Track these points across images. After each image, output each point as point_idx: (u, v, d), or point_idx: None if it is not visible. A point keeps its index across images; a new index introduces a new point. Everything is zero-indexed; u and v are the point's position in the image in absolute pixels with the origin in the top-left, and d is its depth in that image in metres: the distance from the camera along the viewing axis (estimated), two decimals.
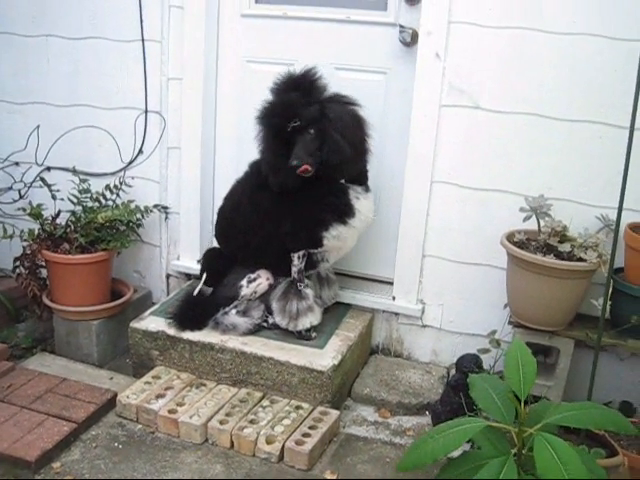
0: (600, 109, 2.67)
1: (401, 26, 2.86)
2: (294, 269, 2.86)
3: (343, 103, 2.74)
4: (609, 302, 2.47)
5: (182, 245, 3.37)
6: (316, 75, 2.69)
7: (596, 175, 2.73)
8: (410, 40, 2.85)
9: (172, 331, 2.87)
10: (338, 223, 2.75)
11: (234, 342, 2.82)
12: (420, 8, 2.80)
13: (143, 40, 3.17)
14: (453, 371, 3.01)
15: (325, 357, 2.75)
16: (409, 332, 3.12)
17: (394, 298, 3.09)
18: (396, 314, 3.11)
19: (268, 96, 2.71)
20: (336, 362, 2.72)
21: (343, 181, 2.77)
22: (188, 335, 2.85)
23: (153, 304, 3.40)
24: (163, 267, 3.44)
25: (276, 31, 3.09)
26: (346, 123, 2.70)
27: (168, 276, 3.46)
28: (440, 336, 3.08)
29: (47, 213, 3.16)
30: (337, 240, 2.78)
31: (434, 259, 3.00)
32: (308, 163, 2.59)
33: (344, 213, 2.75)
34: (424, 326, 3.09)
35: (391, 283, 3.13)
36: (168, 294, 3.44)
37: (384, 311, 3.12)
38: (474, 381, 2.08)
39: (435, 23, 2.76)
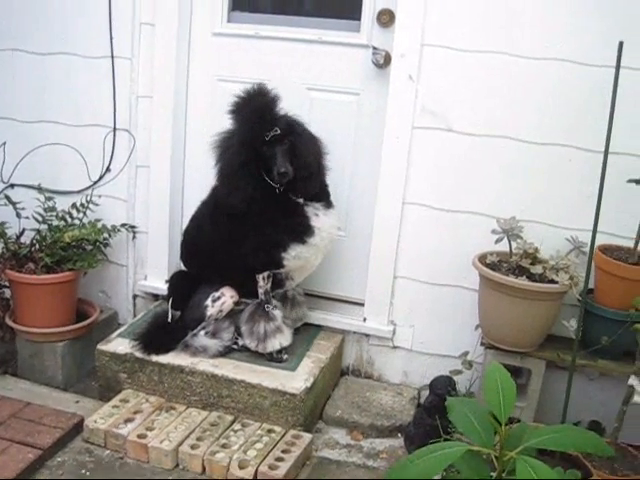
0: (570, 132, 2.71)
1: (374, 48, 2.86)
2: (260, 290, 2.83)
3: (298, 120, 2.76)
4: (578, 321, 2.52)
5: (150, 265, 3.31)
6: (272, 91, 2.68)
7: (566, 197, 2.77)
8: (383, 62, 2.86)
9: (140, 353, 2.81)
10: (296, 243, 2.72)
11: (204, 364, 2.77)
12: (393, 30, 2.82)
13: (113, 57, 3.12)
14: (424, 392, 3.02)
15: (297, 379, 2.72)
16: (380, 353, 3.11)
17: (365, 319, 3.07)
18: (367, 335, 3.09)
19: (228, 115, 2.70)
20: (308, 385, 2.69)
21: (301, 200, 2.75)
22: (157, 357, 2.79)
23: (119, 325, 3.35)
24: (130, 287, 3.37)
25: (248, 50, 3.07)
26: (311, 138, 2.75)
27: (135, 296, 3.40)
28: (411, 357, 3.07)
29: (11, 231, 3.09)
30: (298, 260, 2.76)
31: (405, 280, 2.99)
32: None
33: (302, 232, 2.73)
34: (395, 347, 3.08)
35: (362, 304, 3.11)
36: (135, 315, 3.37)
37: (355, 332, 3.11)
38: (452, 404, 2.07)
39: (408, 45, 2.77)
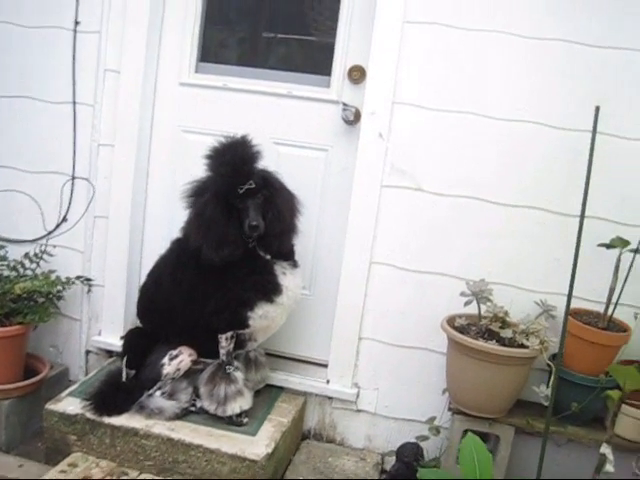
0: (539, 195, 2.70)
1: (344, 104, 2.83)
2: (222, 351, 2.70)
3: (275, 176, 2.69)
4: (549, 388, 2.47)
5: (105, 320, 3.17)
6: (253, 142, 2.62)
7: (535, 260, 2.74)
8: (353, 118, 2.82)
9: (92, 414, 2.65)
10: (264, 302, 2.62)
11: (160, 427, 2.62)
12: (364, 87, 2.79)
13: (75, 103, 3.03)
14: (389, 458, 2.92)
15: (258, 445, 2.59)
16: (343, 417, 3.00)
17: (328, 381, 2.97)
18: (330, 398, 2.99)
19: (203, 166, 2.61)
20: (270, 450, 2.56)
21: (269, 257, 2.67)
22: (110, 419, 2.63)
23: (70, 382, 3.18)
24: (83, 342, 3.21)
25: (215, 102, 3.01)
26: (287, 194, 2.67)
27: (88, 352, 3.24)
28: (375, 421, 2.97)
29: None
30: (264, 319, 2.65)
31: (371, 341, 2.91)
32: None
33: (270, 291, 2.63)
34: (359, 411, 2.97)
35: (325, 365, 3.02)
36: (87, 372, 3.21)
37: (317, 395, 2.99)
38: (425, 476, 1.99)
39: (379, 103, 2.74)
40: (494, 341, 2.54)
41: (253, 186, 2.53)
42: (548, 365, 2.56)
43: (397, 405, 2.94)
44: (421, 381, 2.89)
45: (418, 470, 2.44)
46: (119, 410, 2.67)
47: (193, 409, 2.73)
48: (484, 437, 2.76)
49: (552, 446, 2.82)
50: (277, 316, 2.69)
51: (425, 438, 2.73)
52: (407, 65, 2.72)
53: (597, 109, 2.03)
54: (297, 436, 2.98)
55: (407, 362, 2.89)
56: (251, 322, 2.63)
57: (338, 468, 2.83)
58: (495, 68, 2.67)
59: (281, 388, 3.02)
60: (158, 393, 2.69)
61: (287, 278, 2.68)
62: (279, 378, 3.02)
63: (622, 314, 2.61)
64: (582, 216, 2.11)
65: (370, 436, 2.99)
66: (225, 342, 2.68)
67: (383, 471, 2.93)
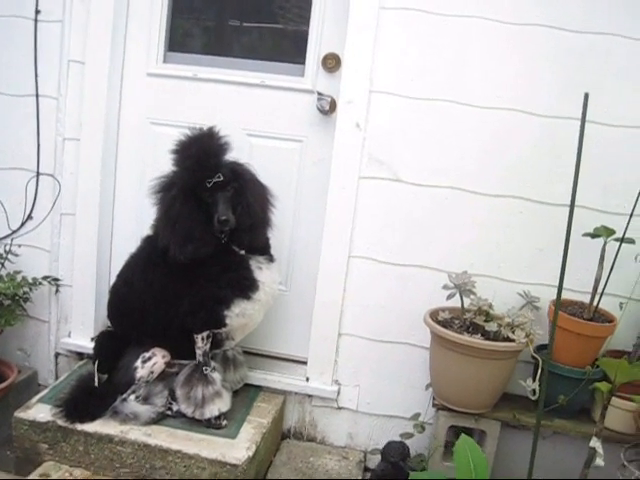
0: (521, 184, 2.64)
1: (319, 93, 2.73)
2: (198, 352, 2.60)
3: (246, 168, 2.59)
4: (537, 382, 2.43)
5: (74, 321, 3.04)
6: (220, 133, 2.52)
7: (517, 251, 2.69)
8: (328, 108, 2.73)
9: (64, 421, 2.53)
10: (241, 299, 2.52)
11: (136, 433, 2.52)
12: (339, 75, 2.70)
13: (37, 95, 2.89)
14: (371, 456, 2.86)
15: (238, 448, 2.50)
16: (323, 415, 2.92)
17: (308, 379, 2.89)
18: (310, 396, 2.91)
19: (170, 159, 2.50)
20: (251, 453, 2.47)
21: (243, 252, 2.57)
22: (83, 426, 2.52)
23: (39, 386, 3.08)
24: (52, 345, 3.09)
25: (184, 93, 2.89)
26: (258, 186, 2.58)
27: (57, 355, 3.11)
28: (356, 418, 2.90)
29: None
30: (242, 317, 2.55)
31: (351, 337, 2.83)
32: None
33: (246, 287, 2.53)
34: (339, 408, 2.90)
35: (304, 362, 2.94)
36: (57, 375, 3.10)
37: (297, 393, 2.91)
38: (417, 477, 1.93)
39: (355, 92, 2.65)
40: (479, 335, 2.48)
41: (221, 179, 2.43)
42: (533, 357, 2.51)
43: (379, 401, 2.87)
44: (403, 376, 2.83)
45: (405, 470, 2.41)
46: (92, 416, 2.56)
47: (169, 413, 2.63)
48: (469, 432, 2.72)
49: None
50: (255, 313, 2.59)
51: (410, 435, 2.67)
52: (384, 52, 2.64)
53: (586, 96, 1.95)
54: (277, 436, 2.90)
55: (388, 357, 2.82)
56: (228, 321, 2.53)
57: (320, 468, 2.75)
58: (475, 55, 2.60)
59: (259, 387, 2.93)
60: (132, 397, 2.58)
61: (263, 273, 2.58)
62: (257, 377, 2.93)
63: (607, 304, 2.57)
64: (572, 204, 2.03)
65: (352, 434, 2.92)
66: (201, 342, 2.59)
67: (366, 469, 2.87)
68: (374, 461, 2.88)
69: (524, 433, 2.69)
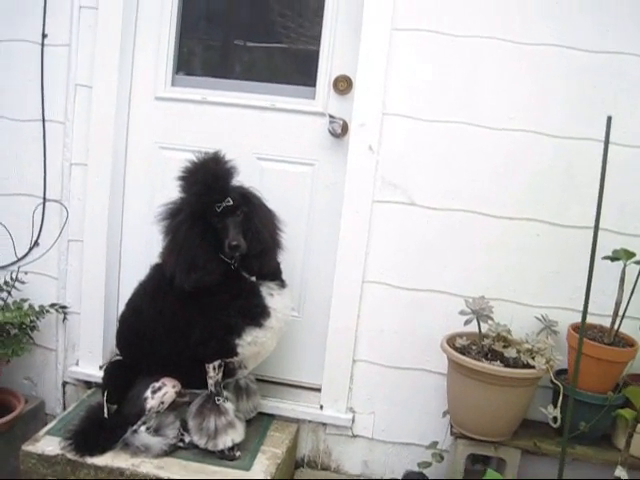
0: (536, 206, 2.60)
1: (331, 116, 2.69)
2: (210, 381, 2.53)
3: (253, 192, 2.55)
4: (557, 409, 2.38)
5: (82, 349, 2.98)
6: (225, 157, 2.47)
7: (534, 274, 2.64)
8: (340, 131, 2.69)
9: (73, 455, 2.47)
10: (252, 327, 2.46)
11: (147, 466, 2.45)
12: (351, 98, 2.66)
13: (44, 120, 2.84)
14: None
15: None
16: (338, 443, 2.86)
17: (322, 407, 2.83)
18: (324, 424, 2.84)
19: (178, 182, 2.46)
20: None
21: (254, 278, 2.52)
22: (93, 459, 2.45)
23: (47, 415, 3.02)
24: (59, 373, 3.02)
25: (194, 116, 2.85)
26: (266, 211, 2.53)
27: (65, 384, 3.04)
28: (372, 446, 2.84)
29: None
30: (254, 345, 2.49)
31: (365, 364, 2.78)
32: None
33: (258, 315, 2.47)
34: (354, 436, 2.84)
35: (318, 389, 2.88)
36: (65, 404, 3.03)
37: (310, 421, 2.85)
38: None
39: (368, 115, 2.61)
40: (498, 362, 2.43)
41: (231, 203, 2.39)
42: (553, 383, 2.46)
43: (394, 429, 2.81)
44: (419, 403, 2.77)
45: None
46: (102, 449, 2.50)
47: (181, 444, 2.57)
48: (485, 459, 2.67)
49: (555, 465, 2.71)
50: (267, 341, 2.53)
51: (427, 465, 2.60)
52: (396, 74, 2.60)
53: (609, 119, 1.91)
54: (291, 465, 2.83)
55: (404, 384, 2.77)
56: (240, 350, 2.47)
57: None
58: (487, 75, 2.56)
59: (272, 415, 2.87)
60: (143, 429, 2.52)
61: (275, 299, 2.53)
62: (270, 405, 2.86)
63: (627, 327, 2.51)
64: (596, 226, 1.99)
65: (367, 462, 2.86)
66: (213, 372, 2.52)
67: None
68: None
69: (543, 460, 2.63)
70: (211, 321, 2.44)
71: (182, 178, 2.45)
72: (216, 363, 2.51)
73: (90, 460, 2.47)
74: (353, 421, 2.82)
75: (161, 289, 2.51)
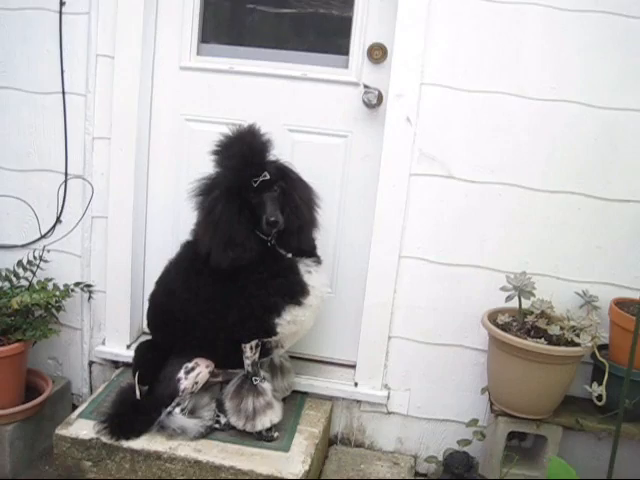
0: (579, 179, 2.52)
1: (366, 86, 2.59)
2: (247, 361, 2.48)
3: (290, 166, 2.47)
4: (603, 387, 2.35)
5: (108, 328, 2.90)
6: (262, 130, 2.38)
7: (574, 248, 2.57)
8: (376, 102, 2.59)
9: (108, 439, 2.41)
10: (292, 305, 2.39)
11: (185, 449, 2.40)
12: (386, 67, 2.56)
13: (64, 93, 2.72)
14: (420, 461, 2.78)
15: (294, 462, 2.39)
16: (372, 420, 2.82)
17: (356, 384, 2.77)
18: (358, 401, 2.79)
19: (209, 157, 2.36)
20: (307, 467, 2.37)
21: (290, 255, 2.44)
22: (129, 443, 2.40)
23: (72, 395, 2.96)
24: (85, 353, 2.95)
25: (221, 87, 2.74)
26: (304, 186, 2.45)
27: (91, 363, 2.97)
28: (406, 423, 2.80)
29: None
30: (293, 324, 2.42)
31: (401, 340, 2.72)
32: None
33: (297, 293, 2.40)
34: (389, 413, 2.79)
35: (351, 366, 2.84)
36: (91, 384, 2.97)
37: (344, 399, 2.80)
38: None
39: (406, 85, 2.51)
40: (542, 339, 2.38)
41: (268, 177, 2.30)
42: (597, 361, 2.41)
43: (430, 405, 2.77)
44: (455, 380, 2.72)
45: None
46: (138, 432, 2.45)
47: (217, 426, 2.52)
48: (521, 435, 2.64)
49: (592, 439, 2.70)
50: (306, 319, 2.46)
51: (467, 442, 2.57)
52: (435, 43, 2.49)
53: None
54: (325, 443, 2.78)
55: (440, 360, 2.72)
56: (279, 329, 2.40)
57: (373, 475, 2.65)
58: (530, 44, 2.46)
59: (305, 393, 2.81)
60: (177, 410, 2.47)
61: (313, 277, 2.45)
62: (303, 383, 2.80)
63: None
64: None
65: (401, 438, 2.82)
66: (250, 352, 2.46)
67: (417, 474, 2.78)
68: (424, 466, 2.80)
69: (583, 436, 2.61)
70: (250, 300, 2.36)
71: (217, 152, 2.35)
72: (253, 343, 2.45)
73: (126, 444, 2.42)
74: (388, 398, 2.77)
75: (194, 268, 2.43)
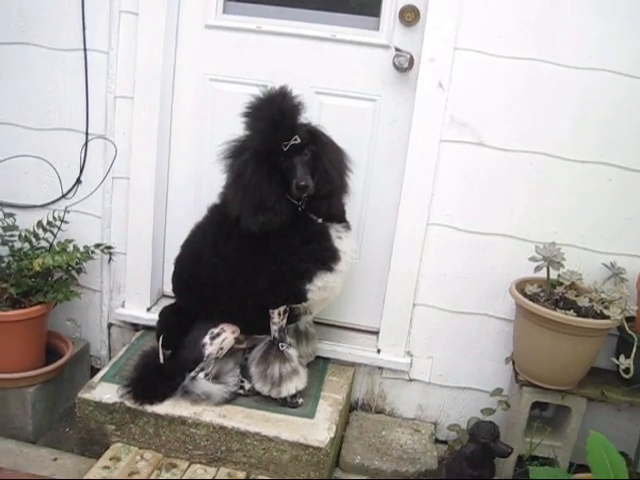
0: (612, 150, 2.48)
1: (397, 49, 2.52)
2: (274, 327, 2.46)
3: (321, 130, 2.40)
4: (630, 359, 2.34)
5: (128, 290, 2.87)
6: (293, 93, 2.31)
7: (603, 220, 2.55)
8: (407, 65, 2.53)
9: (132, 403, 2.39)
10: (323, 271, 2.36)
11: (210, 414, 2.39)
12: (418, 30, 2.50)
13: (85, 50, 2.64)
14: (440, 427, 2.79)
15: (319, 429, 2.38)
16: (393, 386, 2.81)
17: (379, 351, 2.76)
18: (380, 368, 2.79)
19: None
20: (332, 434, 2.36)
21: (320, 220, 2.41)
22: (153, 407, 2.39)
23: (91, 357, 2.95)
24: (104, 315, 2.92)
25: (247, 47, 2.66)
26: (335, 150, 2.39)
27: (110, 325, 2.95)
28: (428, 390, 2.80)
29: None
30: (324, 290, 2.40)
31: (425, 308, 2.71)
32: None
33: (328, 258, 2.37)
34: (411, 380, 2.79)
35: (373, 333, 2.83)
36: (110, 347, 2.95)
37: (366, 365, 2.79)
38: (538, 475, 1.82)
39: (439, 49, 2.45)
40: (572, 311, 2.36)
41: (299, 141, 2.24)
42: (626, 333, 2.40)
43: (452, 373, 2.77)
44: (478, 348, 2.72)
45: (496, 451, 2.32)
46: (162, 397, 2.43)
47: (241, 392, 2.51)
48: (543, 405, 2.64)
49: (611, 410, 2.70)
50: (336, 285, 2.44)
51: (491, 411, 2.57)
52: (470, 6, 2.42)
53: None
54: (347, 409, 2.78)
55: (464, 329, 2.71)
56: (310, 295, 2.38)
57: (394, 442, 2.66)
58: (566, 10, 2.39)
59: (327, 359, 2.81)
60: (202, 375, 2.45)
61: (343, 242, 2.42)
62: (326, 349, 2.79)
63: None
64: None
65: (422, 405, 2.82)
66: (278, 318, 2.44)
67: (437, 440, 2.78)
68: (444, 433, 2.81)
69: (607, 407, 2.61)
70: (281, 266, 2.33)
71: (247, 114, 2.29)
72: (281, 309, 2.43)
73: (150, 408, 2.40)
74: (411, 365, 2.76)
75: (223, 232, 2.39)
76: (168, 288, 2.87)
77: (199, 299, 2.49)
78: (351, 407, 2.86)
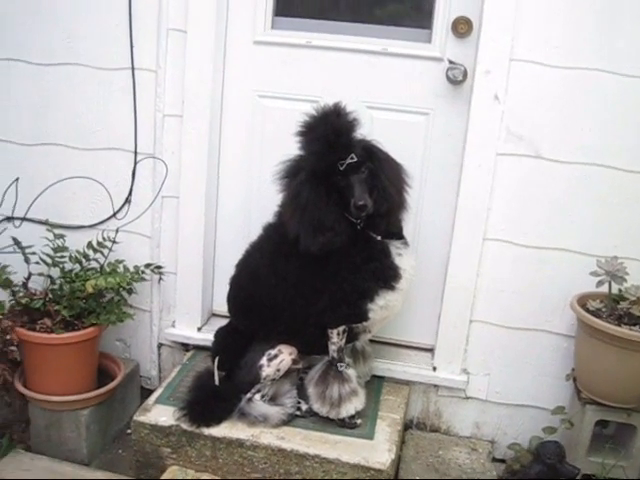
0: None
1: (451, 62, 2.48)
2: (333, 347, 2.41)
3: (378, 146, 2.36)
4: None
5: (178, 310, 2.84)
6: (347, 109, 2.26)
7: None
8: (462, 78, 2.49)
9: (189, 426, 2.36)
10: (385, 290, 2.32)
11: (268, 437, 2.35)
12: (472, 41, 2.46)
13: (133, 69, 2.63)
14: (497, 446, 2.73)
15: (379, 450, 2.34)
16: (449, 404, 2.76)
17: (435, 368, 2.71)
18: (436, 386, 2.73)
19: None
20: (393, 456, 2.32)
21: (379, 238, 2.36)
22: (210, 430, 2.36)
23: (141, 377, 2.91)
24: (154, 335, 2.89)
25: (296, 62, 2.63)
26: (393, 167, 2.34)
27: (160, 345, 2.92)
28: (485, 408, 2.74)
29: (15, 277, 2.58)
30: (384, 309, 2.36)
31: (482, 324, 2.65)
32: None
33: (390, 277, 2.33)
34: (467, 398, 2.73)
35: (429, 350, 2.79)
36: (160, 367, 2.93)
37: (422, 383, 2.74)
38: None
39: (494, 60, 2.40)
40: (637, 327, 2.30)
41: (355, 160, 2.20)
42: None
43: (509, 391, 2.70)
44: (536, 365, 2.65)
45: (563, 472, 2.26)
46: (218, 419, 2.40)
47: (298, 413, 2.47)
48: (604, 422, 2.57)
49: None
50: (397, 304, 2.40)
51: (553, 430, 2.51)
52: (526, 16, 2.37)
53: None
54: (402, 429, 2.73)
55: (521, 345, 2.65)
56: (371, 314, 2.34)
57: (452, 462, 2.60)
58: (625, 19, 2.33)
59: (382, 378, 2.76)
60: (258, 397, 2.42)
61: (403, 259, 2.37)
62: (380, 367, 2.74)
63: None
64: None
65: (479, 423, 2.76)
66: (337, 337, 2.40)
67: (494, 460, 2.72)
68: (501, 451, 2.75)
69: None
70: (342, 285, 2.30)
71: (301, 134, 2.25)
72: (341, 329, 2.39)
73: (207, 431, 2.38)
74: (468, 383, 2.71)
75: (281, 252, 2.36)
76: (218, 307, 2.85)
77: (257, 319, 2.45)
78: (406, 426, 2.80)
